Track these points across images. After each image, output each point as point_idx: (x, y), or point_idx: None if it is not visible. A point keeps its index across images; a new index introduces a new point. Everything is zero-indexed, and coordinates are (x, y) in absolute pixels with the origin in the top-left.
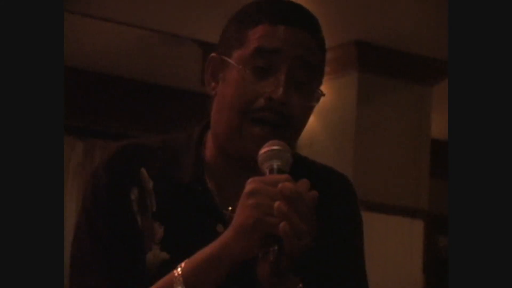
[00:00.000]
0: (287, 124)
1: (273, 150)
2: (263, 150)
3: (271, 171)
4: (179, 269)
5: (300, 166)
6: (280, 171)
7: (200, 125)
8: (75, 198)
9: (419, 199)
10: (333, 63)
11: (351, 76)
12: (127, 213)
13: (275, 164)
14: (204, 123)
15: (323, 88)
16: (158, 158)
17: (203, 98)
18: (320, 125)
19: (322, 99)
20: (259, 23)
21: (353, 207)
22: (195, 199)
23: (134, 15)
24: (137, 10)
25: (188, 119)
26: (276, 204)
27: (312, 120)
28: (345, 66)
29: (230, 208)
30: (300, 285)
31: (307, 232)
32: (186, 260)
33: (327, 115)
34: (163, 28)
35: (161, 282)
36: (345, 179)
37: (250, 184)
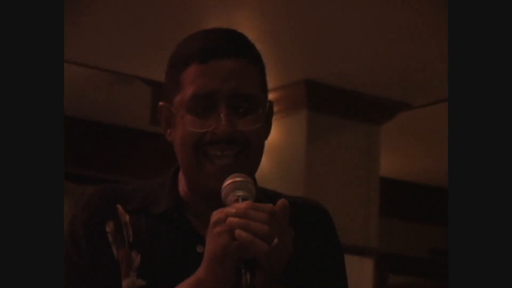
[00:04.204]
0: (244, 150)
1: (236, 181)
2: (226, 183)
3: (236, 201)
4: None
5: (273, 201)
6: (244, 200)
7: (174, 166)
8: None
9: (368, 238)
10: (283, 102)
11: (301, 115)
12: (102, 245)
13: (239, 194)
14: (177, 164)
15: (273, 127)
16: (134, 197)
17: (153, 137)
18: (270, 164)
19: (272, 138)
20: (189, 64)
21: (332, 234)
22: (172, 225)
23: (81, 54)
24: (84, 49)
25: (138, 158)
26: (228, 219)
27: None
28: (295, 105)
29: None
30: None
31: (270, 234)
32: None
33: (276, 154)
34: (111, 67)
35: None
36: (320, 206)
37: (215, 215)
